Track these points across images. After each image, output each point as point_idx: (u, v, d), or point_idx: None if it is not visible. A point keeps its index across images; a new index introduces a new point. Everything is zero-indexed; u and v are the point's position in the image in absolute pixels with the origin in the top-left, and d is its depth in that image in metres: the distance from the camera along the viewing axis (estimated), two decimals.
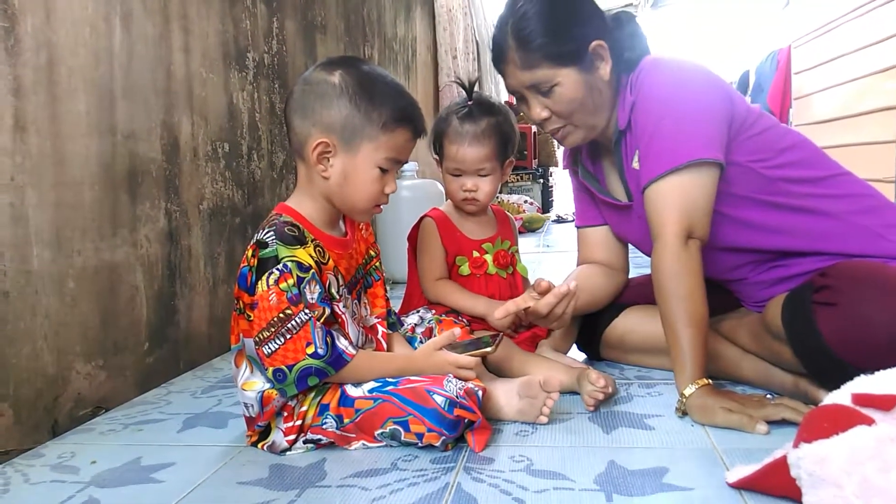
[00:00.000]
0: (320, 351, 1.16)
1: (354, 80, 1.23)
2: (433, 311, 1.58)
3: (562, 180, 7.72)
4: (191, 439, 1.32)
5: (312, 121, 1.23)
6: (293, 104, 1.26)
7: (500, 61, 1.46)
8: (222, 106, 1.99)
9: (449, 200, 1.71)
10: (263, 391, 1.21)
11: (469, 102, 1.62)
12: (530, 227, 5.28)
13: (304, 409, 1.22)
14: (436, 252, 1.63)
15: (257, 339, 1.17)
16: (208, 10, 1.92)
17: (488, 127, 1.58)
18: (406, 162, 1.33)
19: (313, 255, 1.21)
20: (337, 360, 1.18)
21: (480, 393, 1.23)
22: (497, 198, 5.87)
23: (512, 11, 1.41)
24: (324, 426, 1.22)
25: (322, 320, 1.19)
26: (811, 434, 0.88)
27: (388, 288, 1.49)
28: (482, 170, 1.59)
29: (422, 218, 1.69)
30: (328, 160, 1.24)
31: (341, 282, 1.29)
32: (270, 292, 1.16)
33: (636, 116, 1.40)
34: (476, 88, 1.67)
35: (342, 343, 1.20)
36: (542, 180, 6.82)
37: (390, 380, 1.22)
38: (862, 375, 0.99)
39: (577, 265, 1.69)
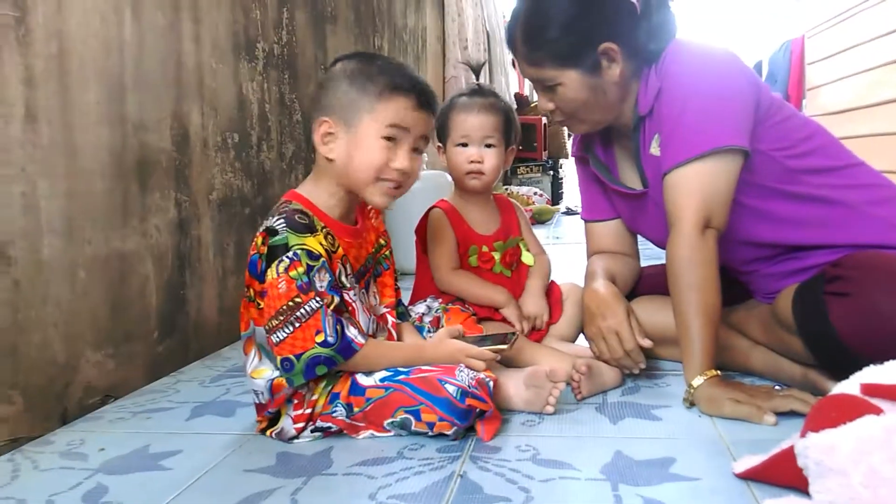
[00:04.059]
0: (330, 339, 1.16)
1: (355, 63, 1.26)
2: (440, 300, 1.58)
3: (572, 172, 7.68)
4: (199, 427, 1.33)
5: (320, 109, 1.26)
6: (311, 104, 1.28)
7: (512, 51, 1.49)
8: (232, 96, 1.99)
9: (453, 191, 1.70)
10: (273, 379, 1.21)
11: (477, 85, 1.65)
12: (540, 219, 5.26)
13: (314, 397, 1.22)
14: (449, 242, 1.62)
15: (267, 327, 1.18)
16: (218, 0, 1.92)
17: (496, 103, 1.62)
18: (421, 137, 1.27)
19: (323, 243, 1.21)
20: (346, 348, 1.18)
21: (491, 383, 1.23)
22: (506, 189, 5.86)
23: (525, 5, 1.42)
24: (334, 414, 1.22)
25: (332, 308, 1.19)
26: (819, 423, 0.88)
27: (397, 278, 1.49)
28: (489, 138, 1.59)
29: (429, 210, 1.68)
30: (332, 142, 1.25)
31: (349, 270, 1.29)
32: (280, 280, 1.16)
33: (660, 102, 1.39)
34: (486, 79, 1.70)
35: (352, 332, 1.20)
36: (551, 172, 6.79)
37: (401, 369, 1.22)
38: (871, 365, 0.98)
39: (588, 257, 1.68)
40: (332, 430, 1.24)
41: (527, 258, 1.71)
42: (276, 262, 1.17)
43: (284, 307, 1.16)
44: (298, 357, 1.16)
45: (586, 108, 1.42)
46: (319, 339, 1.16)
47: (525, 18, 1.40)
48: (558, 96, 1.41)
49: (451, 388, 1.16)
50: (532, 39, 1.39)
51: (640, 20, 1.40)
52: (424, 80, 1.30)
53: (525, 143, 6.62)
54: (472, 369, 1.22)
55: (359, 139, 1.23)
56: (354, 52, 1.33)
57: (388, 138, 1.23)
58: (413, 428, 1.19)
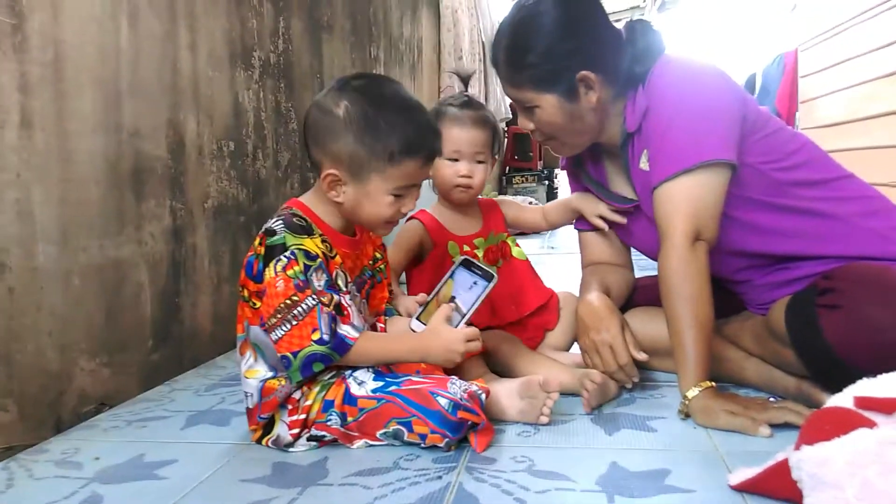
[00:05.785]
0: (325, 337, 1.17)
1: (359, 112, 1.21)
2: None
3: (566, 182, 7.69)
4: (194, 436, 1.32)
5: (323, 151, 1.25)
6: (308, 129, 1.27)
7: (495, 69, 1.52)
8: (228, 105, 1.99)
9: (436, 200, 1.69)
10: (265, 380, 1.22)
11: (466, 95, 1.65)
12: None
13: (308, 403, 1.22)
14: (402, 249, 1.62)
15: (266, 325, 1.19)
16: (215, 9, 1.93)
17: (486, 116, 1.62)
18: (420, 185, 1.30)
19: (320, 246, 1.23)
20: (340, 345, 1.19)
21: (484, 396, 1.23)
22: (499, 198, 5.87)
23: (509, 26, 1.44)
24: (328, 423, 1.22)
25: (331, 307, 1.19)
26: (813, 436, 0.88)
27: (391, 291, 1.49)
28: (479, 154, 1.59)
29: (408, 220, 1.66)
30: (339, 188, 1.25)
31: (348, 278, 1.30)
32: (278, 279, 1.18)
33: (648, 119, 1.40)
34: (481, 88, 1.69)
35: (343, 328, 1.21)
36: (546, 182, 6.82)
37: (393, 380, 1.22)
38: (865, 378, 0.99)
39: (583, 267, 1.69)
40: (327, 439, 1.23)
41: (518, 253, 1.70)
42: (273, 261, 1.19)
43: (282, 305, 1.17)
44: (295, 354, 1.17)
45: (563, 132, 1.45)
46: (316, 336, 1.17)
47: (509, 40, 1.43)
48: (536, 118, 1.45)
49: (442, 401, 1.16)
50: (514, 61, 1.42)
51: (625, 46, 1.43)
52: (431, 122, 1.29)
53: (520, 152, 6.65)
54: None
55: (368, 193, 1.24)
56: (356, 82, 1.26)
57: (398, 195, 1.25)
58: (406, 439, 1.19)
